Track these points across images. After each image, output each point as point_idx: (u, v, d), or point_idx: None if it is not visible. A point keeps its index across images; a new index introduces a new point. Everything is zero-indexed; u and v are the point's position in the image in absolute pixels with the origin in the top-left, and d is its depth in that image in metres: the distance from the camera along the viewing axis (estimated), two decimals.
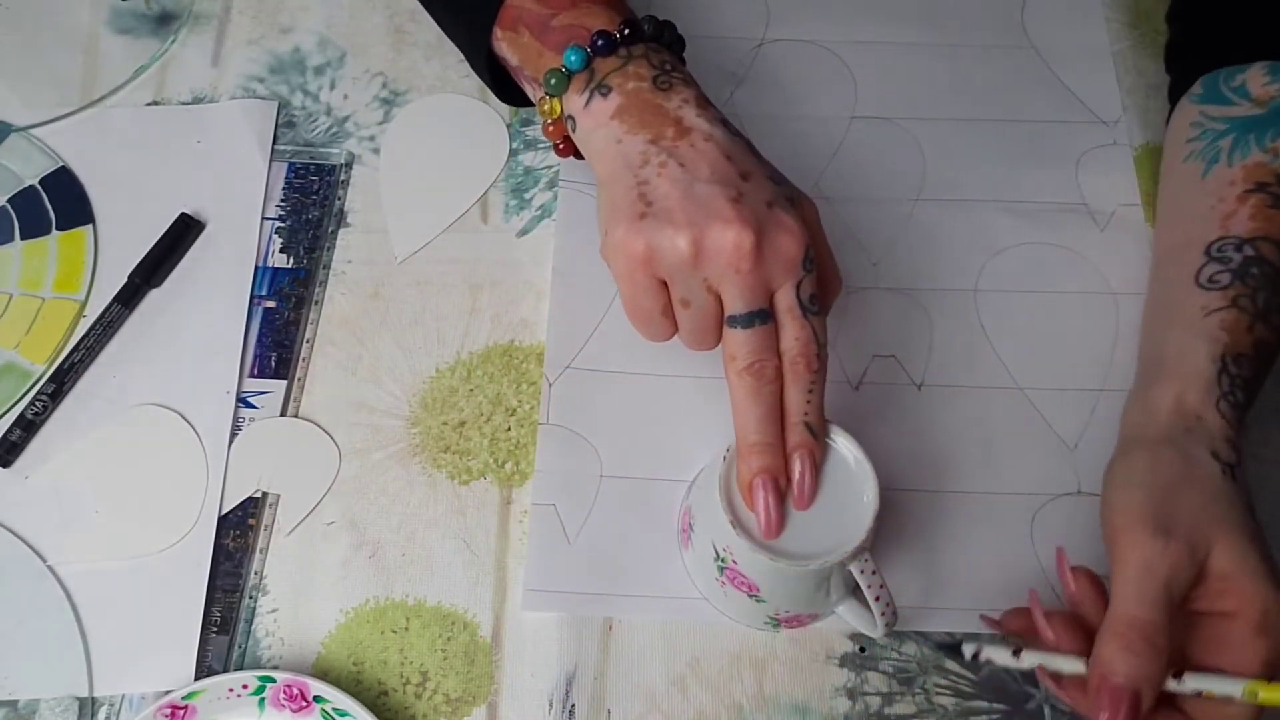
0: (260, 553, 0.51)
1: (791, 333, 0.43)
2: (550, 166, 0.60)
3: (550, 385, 0.54)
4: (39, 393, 0.53)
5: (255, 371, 0.55)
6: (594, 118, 0.46)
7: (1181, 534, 0.40)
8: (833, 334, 0.55)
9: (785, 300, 0.43)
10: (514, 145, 0.61)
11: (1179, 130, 0.54)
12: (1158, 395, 0.45)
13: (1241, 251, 0.47)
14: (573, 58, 0.46)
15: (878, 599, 0.44)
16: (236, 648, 0.49)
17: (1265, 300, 0.46)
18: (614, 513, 0.51)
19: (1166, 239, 0.52)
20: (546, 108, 0.47)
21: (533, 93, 0.49)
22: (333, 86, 0.62)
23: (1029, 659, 0.41)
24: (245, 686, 0.47)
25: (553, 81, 0.46)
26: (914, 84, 0.62)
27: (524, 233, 0.58)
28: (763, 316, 0.43)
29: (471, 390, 0.55)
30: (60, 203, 0.58)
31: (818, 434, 0.44)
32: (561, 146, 0.50)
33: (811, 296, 0.43)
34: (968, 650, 0.42)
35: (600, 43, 0.46)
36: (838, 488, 0.45)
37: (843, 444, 0.46)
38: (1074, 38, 0.63)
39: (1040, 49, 0.63)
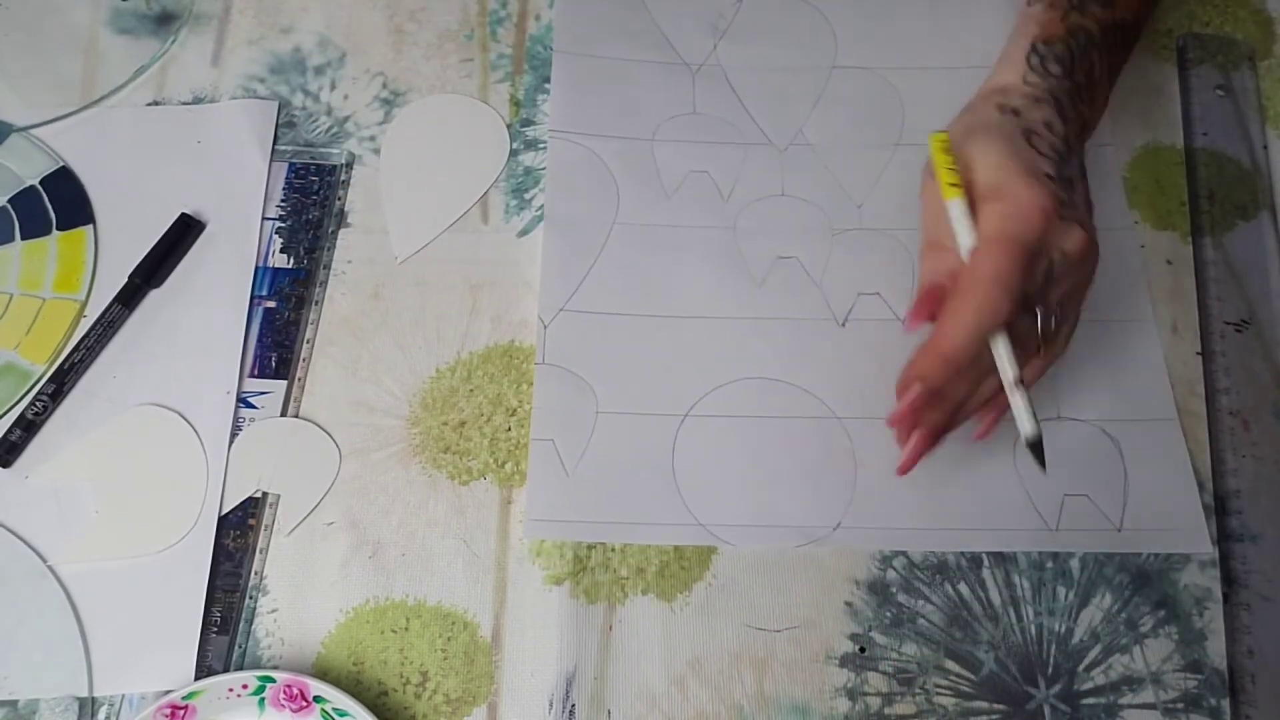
0: (260, 553, 0.51)
1: None
2: None
3: (545, 326, 0.55)
4: (39, 393, 0.53)
5: (255, 371, 0.55)
6: None
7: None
8: (819, 273, 0.57)
9: None
10: (514, 145, 0.61)
11: None
12: (981, 89, 0.52)
13: None
14: None
15: None
16: (236, 648, 0.49)
17: None
18: (610, 446, 0.53)
19: None
20: None
21: None
22: (333, 86, 0.62)
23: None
24: (245, 686, 0.47)
25: None
26: (894, 35, 0.64)
27: (524, 233, 0.58)
28: None
29: (471, 390, 0.55)
30: (60, 203, 0.58)
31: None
32: None
33: None
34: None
35: None
36: None
37: None
38: None
39: None
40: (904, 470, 0.47)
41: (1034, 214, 0.45)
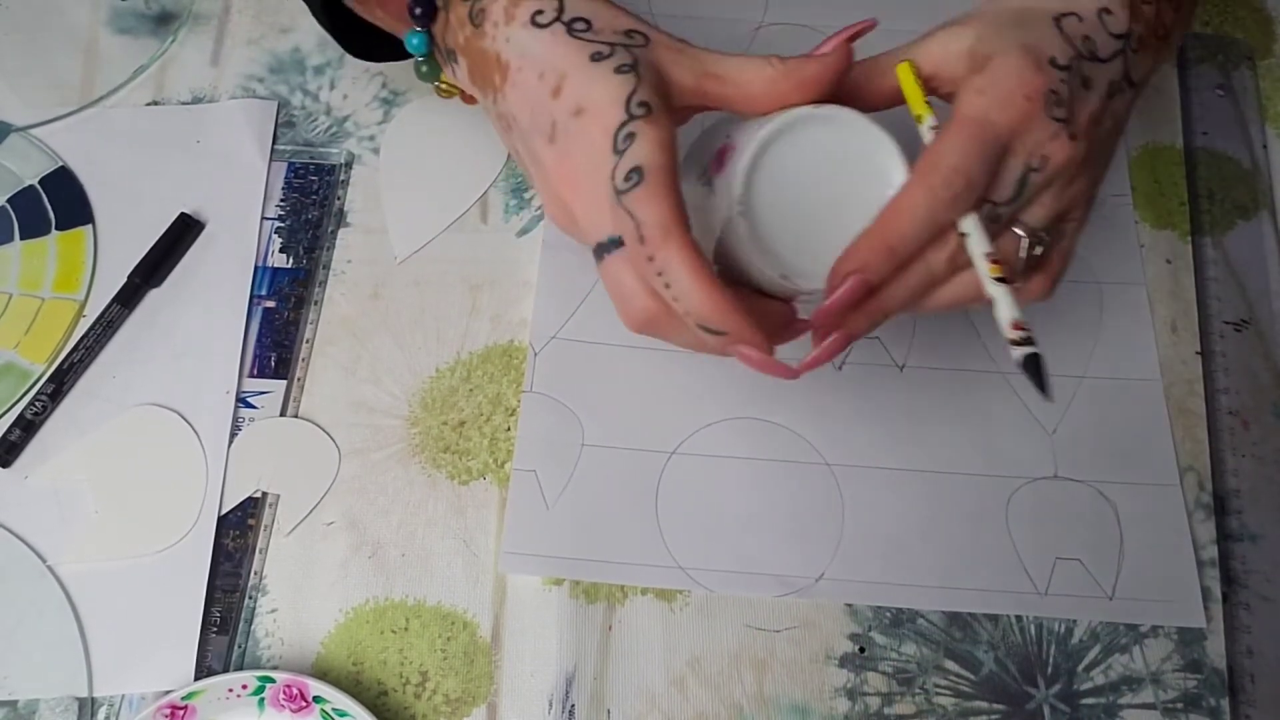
0: (260, 553, 0.51)
1: None
2: None
3: (535, 354, 0.55)
4: (39, 393, 0.53)
5: (255, 371, 0.55)
6: (470, 92, 0.43)
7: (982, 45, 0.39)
8: None
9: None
10: None
11: None
12: None
13: None
14: (414, 41, 0.43)
15: None
16: (236, 648, 0.49)
17: None
18: (593, 481, 0.52)
19: None
20: (444, 88, 0.45)
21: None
22: (332, 86, 0.62)
23: None
24: (245, 687, 0.47)
25: (423, 70, 0.44)
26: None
27: (524, 232, 0.58)
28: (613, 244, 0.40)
29: (471, 390, 0.55)
30: (60, 203, 0.58)
31: None
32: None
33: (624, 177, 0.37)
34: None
35: (419, 11, 0.42)
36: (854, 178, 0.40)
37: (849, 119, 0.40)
38: None
39: None
40: (801, 371, 0.40)
41: (1014, 96, 0.38)
